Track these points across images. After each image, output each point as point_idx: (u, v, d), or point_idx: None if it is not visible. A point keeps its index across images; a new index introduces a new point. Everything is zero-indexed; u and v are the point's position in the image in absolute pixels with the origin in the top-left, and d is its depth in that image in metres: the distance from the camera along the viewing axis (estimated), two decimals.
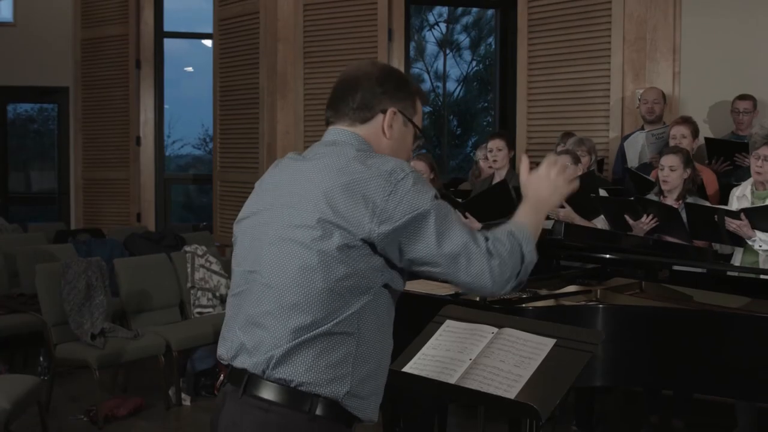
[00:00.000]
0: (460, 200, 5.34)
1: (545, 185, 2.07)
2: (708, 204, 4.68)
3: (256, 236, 1.94)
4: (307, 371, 1.82)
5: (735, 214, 4.24)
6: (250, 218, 2.00)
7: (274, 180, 2.00)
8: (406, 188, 1.82)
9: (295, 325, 1.82)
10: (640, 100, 6.10)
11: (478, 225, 5.06)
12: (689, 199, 4.61)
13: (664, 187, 4.69)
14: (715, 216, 4.30)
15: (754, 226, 4.21)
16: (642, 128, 6.04)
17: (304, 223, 1.83)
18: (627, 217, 4.57)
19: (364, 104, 1.98)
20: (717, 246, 4.59)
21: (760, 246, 4.22)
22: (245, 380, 1.86)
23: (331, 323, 1.82)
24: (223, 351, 1.96)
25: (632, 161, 5.90)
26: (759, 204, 4.37)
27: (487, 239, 1.88)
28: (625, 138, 6.13)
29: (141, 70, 9.15)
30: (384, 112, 1.99)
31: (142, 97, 9.20)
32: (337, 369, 1.83)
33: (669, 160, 4.67)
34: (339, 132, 2.00)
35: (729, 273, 4.06)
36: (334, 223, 1.80)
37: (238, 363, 1.89)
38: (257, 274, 1.90)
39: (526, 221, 1.99)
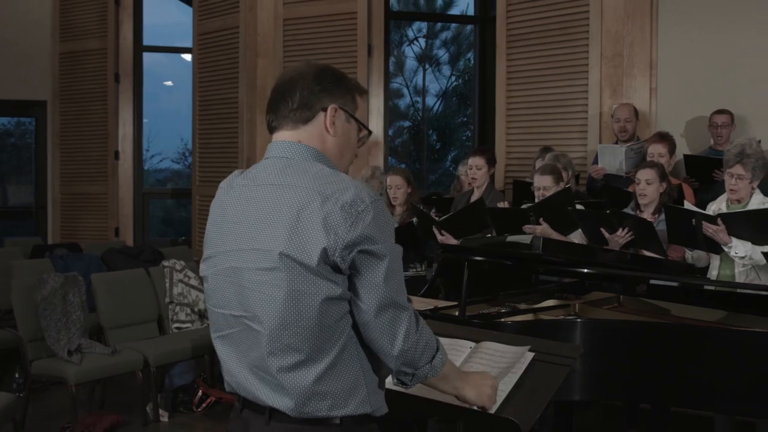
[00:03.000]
0: (437, 218, 5.36)
1: (480, 384, 2.14)
2: (689, 208, 4.72)
3: (233, 280, 1.92)
4: (329, 405, 1.87)
5: (713, 219, 4.28)
6: (219, 258, 1.96)
7: (233, 213, 1.95)
8: (367, 220, 1.81)
9: (297, 366, 1.85)
10: (613, 117, 6.15)
11: (454, 241, 5.07)
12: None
13: (641, 200, 4.74)
14: (693, 220, 4.35)
15: (731, 233, 4.26)
16: (616, 142, 6.09)
17: (275, 266, 1.82)
18: (603, 231, 4.60)
19: (303, 104, 1.95)
20: (689, 256, 4.62)
21: (736, 253, 4.27)
22: (268, 412, 1.91)
23: (334, 353, 1.86)
24: (235, 387, 2.00)
25: (605, 164, 5.90)
26: None
27: (417, 314, 1.94)
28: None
29: (120, 83, 9.11)
30: (324, 110, 1.96)
31: (121, 111, 9.16)
32: (353, 389, 1.89)
33: (645, 174, 4.72)
34: (286, 147, 1.96)
35: (706, 287, 4.09)
36: (300, 261, 1.80)
37: (257, 401, 1.93)
38: (246, 319, 1.90)
39: (448, 366, 2.04)
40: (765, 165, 4.51)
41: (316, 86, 1.95)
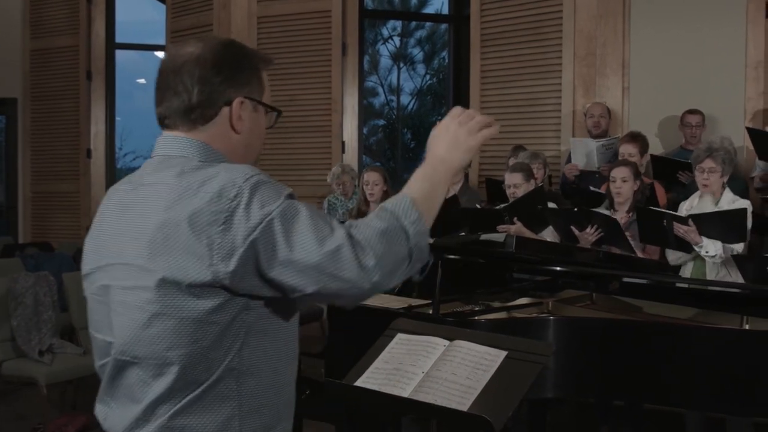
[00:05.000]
0: None
1: (443, 139, 1.69)
2: (659, 209, 4.77)
3: (102, 300, 1.63)
4: None
5: (683, 220, 4.33)
6: (95, 275, 1.65)
7: (107, 222, 1.64)
8: (242, 207, 1.45)
9: (161, 399, 1.53)
10: (586, 114, 6.22)
11: (428, 239, 5.08)
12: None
13: (617, 199, 4.78)
14: (664, 220, 4.39)
15: (701, 232, 4.31)
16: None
17: (141, 284, 1.51)
18: (573, 228, 4.64)
19: (203, 101, 1.61)
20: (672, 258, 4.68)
21: (707, 252, 4.32)
22: None
23: (204, 385, 1.52)
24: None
25: (578, 160, 5.97)
26: None
27: (352, 226, 1.51)
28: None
29: (92, 81, 9.03)
30: (229, 104, 1.62)
31: (93, 109, 9.07)
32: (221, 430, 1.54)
33: (621, 172, 4.76)
34: (172, 142, 1.63)
35: (678, 285, 4.13)
36: (170, 278, 1.48)
37: None
38: (113, 347, 1.59)
39: (410, 189, 1.60)
40: (732, 160, 4.60)
41: (216, 77, 1.60)
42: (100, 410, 1.65)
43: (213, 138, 1.63)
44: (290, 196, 1.50)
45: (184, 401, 1.52)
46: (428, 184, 1.62)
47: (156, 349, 1.51)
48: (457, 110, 1.73)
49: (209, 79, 1.60)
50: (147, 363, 1.53)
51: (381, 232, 1.48)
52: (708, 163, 4.49)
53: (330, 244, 1.45)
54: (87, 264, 1.67)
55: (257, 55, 1.69)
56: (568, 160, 6.14)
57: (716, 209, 4.45)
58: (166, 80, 1.63)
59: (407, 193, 1.57)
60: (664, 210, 4.64)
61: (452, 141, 1.68)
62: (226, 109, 1.62)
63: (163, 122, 1.65)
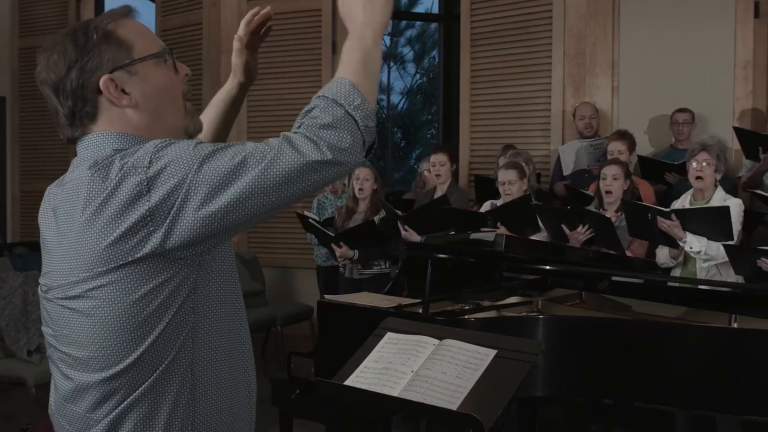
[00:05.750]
0: (400, 212, 5.38)
1: (356, 2, 1.58)
2: (645, 204, 4.79)
3: (41, 293, 1.54)
4: None
5: (667, 214, 4.35)
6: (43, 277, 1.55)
7: (44, 226, 1.54)
8: (158, 170, 1.34)
9: (100, 398, 1.44)
10: (575, 115, 6.22)
11: (417, 238, 5.09)
12: None
13: (607, 198, 4.79)
14: (649, 214, 4.41)
15: (686, 228, 4.32)
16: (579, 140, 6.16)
17: (73, 281, 1.41)
18: (564, 227, 4.65)
19: (74, 104, 1.46)
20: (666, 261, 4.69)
21: (691, 248, 4.34)
22: None
23: (148, 383, 1.43)
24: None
25: (568, 168, 5.99)
26: None
27: (294, 129, 1.42)
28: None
29: None
30: (98, 91, 1.45)
31: None
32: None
33: (612, 170, 4.78)
34: (82, 146, 1.50)
35: (668, 284, 4.14)
36: (107, 267, 1.37)
37: None
38: (53, 338, 1.51)
39: (344, 70, 1.49)
40: (726, 158, 4.61)
41: (70, 72, 1.44)
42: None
43: (111, 125, 1.47)
44: (200, 143, 1.38)
45: (132, 397, 1.42)
46: (359, 54, 1.51)
47: (99, 343, 1.41)
48: None
49: (64, 82, 1.45)
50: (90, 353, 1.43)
51: (326, 126, 1.39)
52: (703, 156, 4.49)
53: (268, 156, 1.34)
54: (44, 266, 1.55)
55: (103, 20, 1.49)
56: (558, 168, 6.14)
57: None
58: (48, 103, 1.51)
59: (344, 75, 1.47)
60: (649, 204, 4.66)
61: (367, 5, 1.57)
62: (102, 97, 1.45)
63: (73, 142, 1.53)
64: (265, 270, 7.42)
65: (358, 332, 2.57)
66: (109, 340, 1.40)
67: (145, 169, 1.34)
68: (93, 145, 1.47)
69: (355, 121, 1.40)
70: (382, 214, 5.58)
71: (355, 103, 1.42)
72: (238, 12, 7.76)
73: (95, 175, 1.39)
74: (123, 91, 1.45)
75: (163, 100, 1.50)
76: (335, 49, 7.53)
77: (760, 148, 5.27)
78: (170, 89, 1.52)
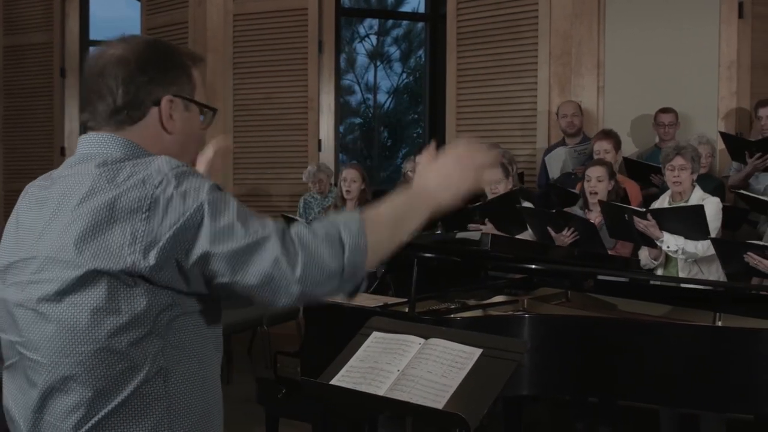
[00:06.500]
0: None
1: (436, 174, 1.60)
2: (621, 204, 4.81)
3: (6, 297, 1.52)
4: None
5: (642, 214, 4.38)
6: (3, 273, 1.55)
7: (17, 218, 1.57)
8: (167, 195, 1.39)
9: (74, 406, 1.43)
10: (558, 114, 6.23)
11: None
12: None
13: (591, 199, 4.81)
14: (626, 215, 4.44)
15: (662, 227, 4.35)
16: (563, 141, 6.17)
17: (49, 278, 1.43)
18: (549, 230, 4.66)
19: (129, 101, 1.52)
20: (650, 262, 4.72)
21: (668, 247, 4.37)
22: None
23: (127, 390, 1.44)
24: None
25: (554, 174, 6.01)
26: None
27: (293, 225, 1.47)
28: (546, 152, 6.24)
29: (66, 78, 8.94)
30: (157, 103, 1.54)
31: (67, 107, 8.98)
32: None
33: (596, 171, 4.81)
34: (94, 140, 1.54)
35: (651, 282, 4.16)
36: (94, 269, 1.39)
37: None
38: (21, 346, 1.49)
39: (378, 207, 1.53)
40: (699, 157, 4.64)
41: (141, 76, 1.52)
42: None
43: (143, 138, 1.54)
44: (217, 187, 1.44)
45: (109, 406, 1.44)
46: (403, 208, 1.56)
47: (63, 347, 1.43)
48: (461, 145, 1.64)
49: (134, 79, 1.52)
50: (56, 363, 1.44)
51: (315, 234, 1.43)
52: (678, 161, 4.53)
53: (259, 233, 1.40)
54: (1, 257, 1.57)
55: (185, 52, 1.62)
56: (545, 175, 6.14)
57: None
58: (90, 85, 1.55)
59: (369, 211, 1.51)
60: (624, 205, 4.69)
61: (444, 180, 1.59)
62: (155, 109, 1.55)
63: (86, 126, 1.58)
64: None
65: (345, 331, 2.57)
66: (73, 348, 1.42)
67: (153, 187, 1.40)
68: (102, 144, 1.53)
69: (343, 247, 1.43)
70: None
71: (353, 231, 1.45)
72: (224, 11, 7.74)
73: (103, 174, 1.45)
74: (171, 117, 1.56)
75: (192, 143, 1.65)
76: (321, 49, 7.52)
77: (746, 152, 5.34)
78: (199, 138, 1.67)
